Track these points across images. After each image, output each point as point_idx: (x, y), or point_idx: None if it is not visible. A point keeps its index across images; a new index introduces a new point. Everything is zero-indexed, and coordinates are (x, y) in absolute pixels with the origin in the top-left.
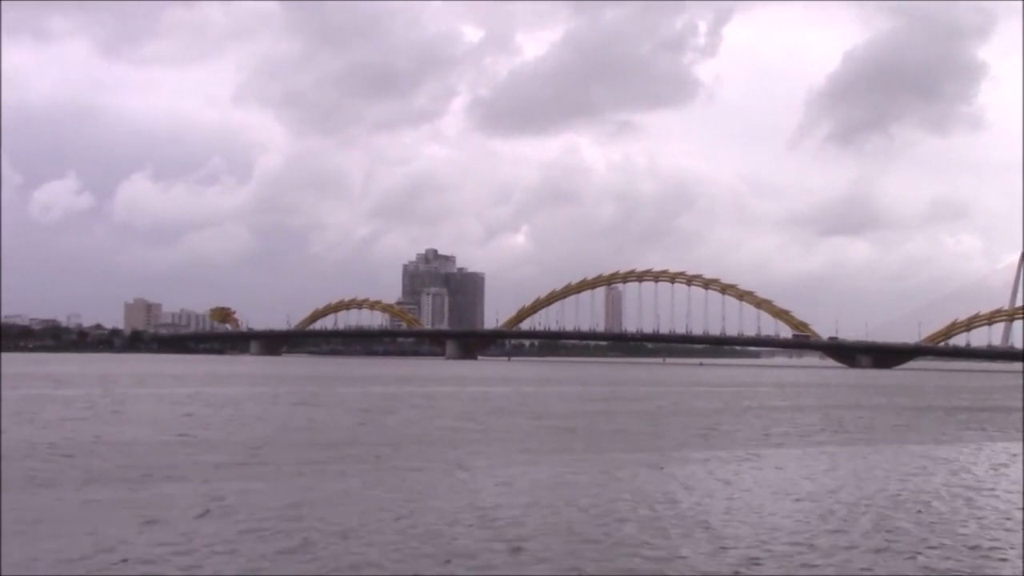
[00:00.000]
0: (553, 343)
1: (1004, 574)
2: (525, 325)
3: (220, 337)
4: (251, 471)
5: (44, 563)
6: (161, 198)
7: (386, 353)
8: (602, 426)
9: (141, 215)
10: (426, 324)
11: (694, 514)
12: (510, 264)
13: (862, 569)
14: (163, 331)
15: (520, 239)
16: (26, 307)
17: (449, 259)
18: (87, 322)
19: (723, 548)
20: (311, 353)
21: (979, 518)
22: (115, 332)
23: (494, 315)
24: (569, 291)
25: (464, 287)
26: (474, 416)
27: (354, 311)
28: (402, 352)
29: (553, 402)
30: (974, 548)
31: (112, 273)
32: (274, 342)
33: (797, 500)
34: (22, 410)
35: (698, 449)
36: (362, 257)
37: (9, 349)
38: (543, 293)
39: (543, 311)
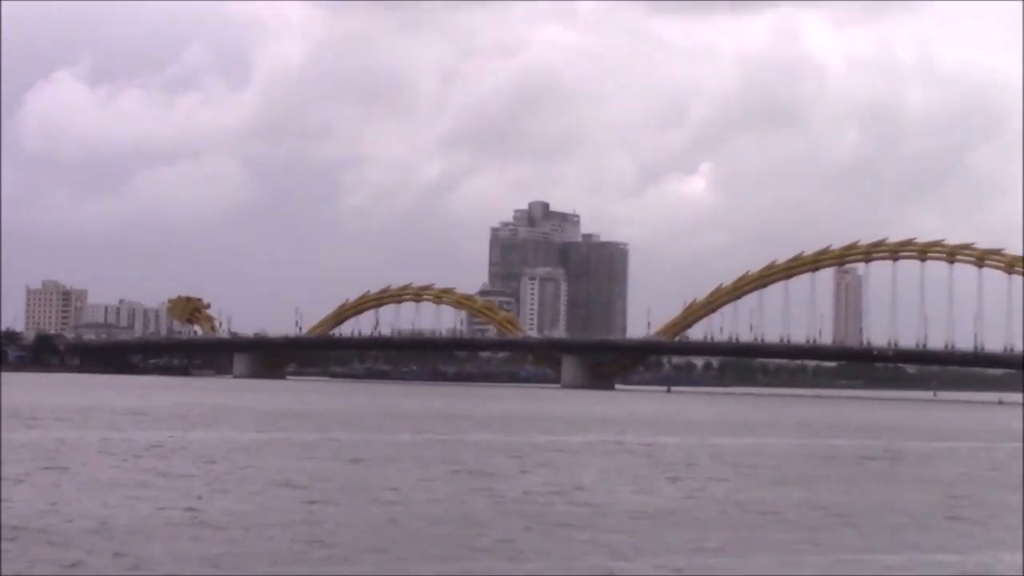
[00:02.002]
0: (745, 364)
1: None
2: (697, 332)
3: (184, 347)
4: None
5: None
6: (99, 112)
7: (460, 377)
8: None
9: (64, 140)
10: (528, 329)
11: None
12: (676, 228)
13: None
14: (89, 336)
15: (696, 186)
16: None
17: (570, 219)
18: None
19: None
20: (334, 376)
21: None
22: (11, 336)
23: (643, 315)
24: (773, 274)
25: (593, 267)
26: None
27: (408, 306)
28: (487, 375)
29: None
30: None
31: (10, 235)
32: (273, 356)
33: None
34: None
35: None
36: (427, 215)
37: None
38: (729, 279)
39: (728, 309)
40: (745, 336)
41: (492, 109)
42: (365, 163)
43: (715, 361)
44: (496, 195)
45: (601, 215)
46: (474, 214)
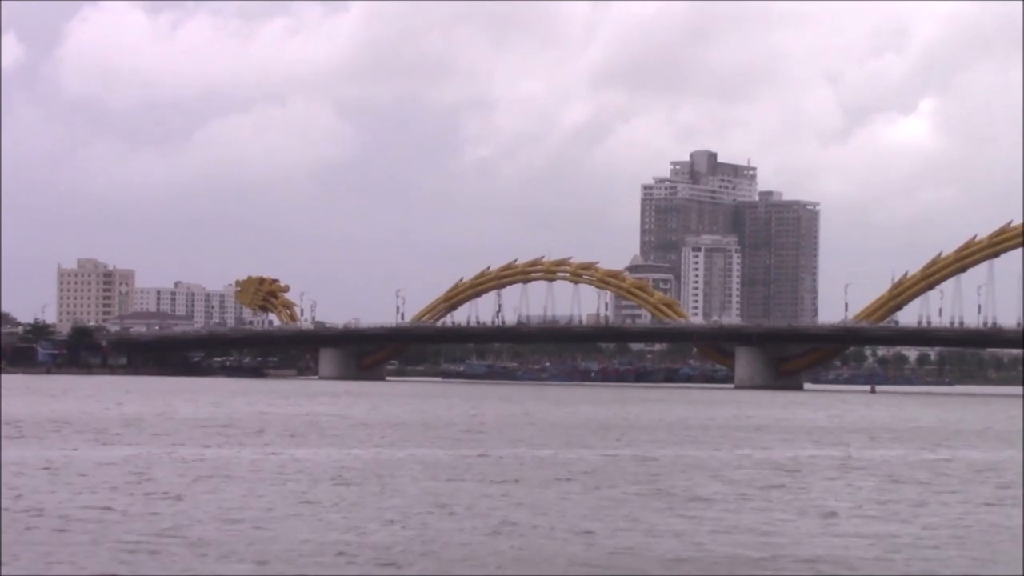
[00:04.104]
0: (971, 356)
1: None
2: (909, 316)
3: (257, 341)
4: None
5: None
6: (158, 47)
7: (605, 376)
8: None
9: (114, 82)
10: (691, 314)
11: None
12: (887, 183)
13: None
14: (138, 328)
15: (916, 128)
16: None
17: (743, 172)
18: None
19: None
20: (446, 376)
21: None
22: (40, 330)
23: (839, 295)
24: (1009, 240)
25: (775, 234)
26: None
27: (538, 286)
28: (639, 373)
29: None
30: None
31: (39, 202)
32: (368, 351)
33: None
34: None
35: None
36: (568, 170)
37: None
38: (951, 247)
39: (949, 285)
40: (971, 320)
41: (656, 36)
42: (493, 107)
43: (932, 353)
44: (658, 144)
45: (786, 167)
46: (628, 169)
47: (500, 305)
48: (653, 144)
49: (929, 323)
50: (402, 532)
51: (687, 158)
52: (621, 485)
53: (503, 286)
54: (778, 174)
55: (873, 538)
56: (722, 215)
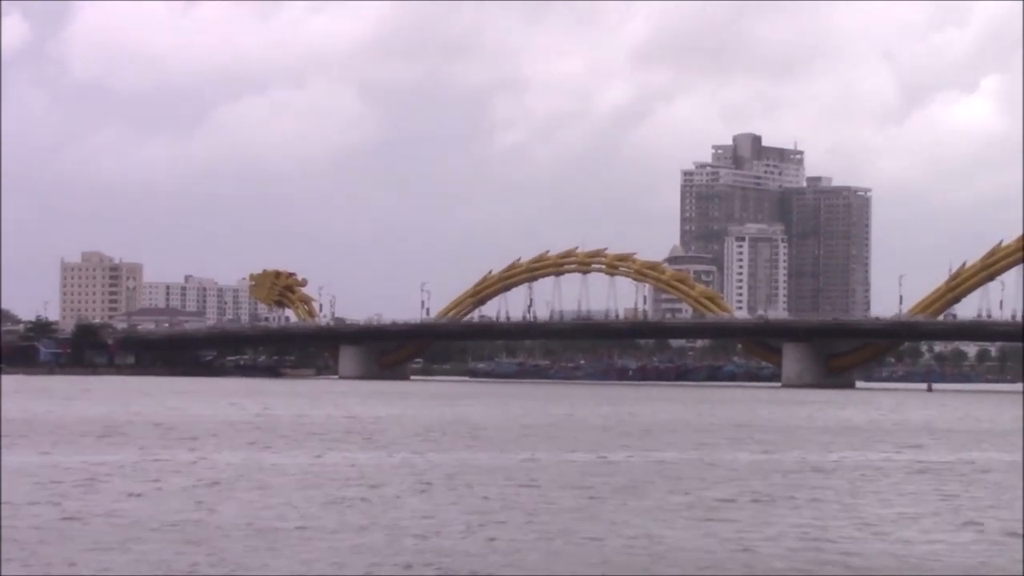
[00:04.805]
0: None
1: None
2: (968, 308)
3: (273, 338)
4: None
5: None
6: (171, 25)
7: (644, 375)
8: None
9: (123, 63)
10: (735, 307)
11: None
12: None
13: None
14: (146, 325)
15: (979, 107)
16: None
17: (790, 157)
18: None
19: None
20: (475, 374)
21: None
22: (43, 327)
23: (893, 287)
24: None
25: (824, 222)
26: None
27: (572, 279)
28: (680, 371)
29: None
30: None
31: (41, 189)
32: (392, 349)
33: None
34: None
35: None
36: (606, 155)
37: None
38: (1012, 236)
39: (1012, 275)
40: None
41: (702, 10)
42: (526, 87)
43: (993, 348)
44: (702, 127)
45: (837, 151)
46: (669, 153)
47: (531, 299)
48: (697, 126)
49: (989, 316)
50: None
51: (730, 142)
52: (676, 492)
53: (535, 279)
54: (828, 158)
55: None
56: (767, 202)
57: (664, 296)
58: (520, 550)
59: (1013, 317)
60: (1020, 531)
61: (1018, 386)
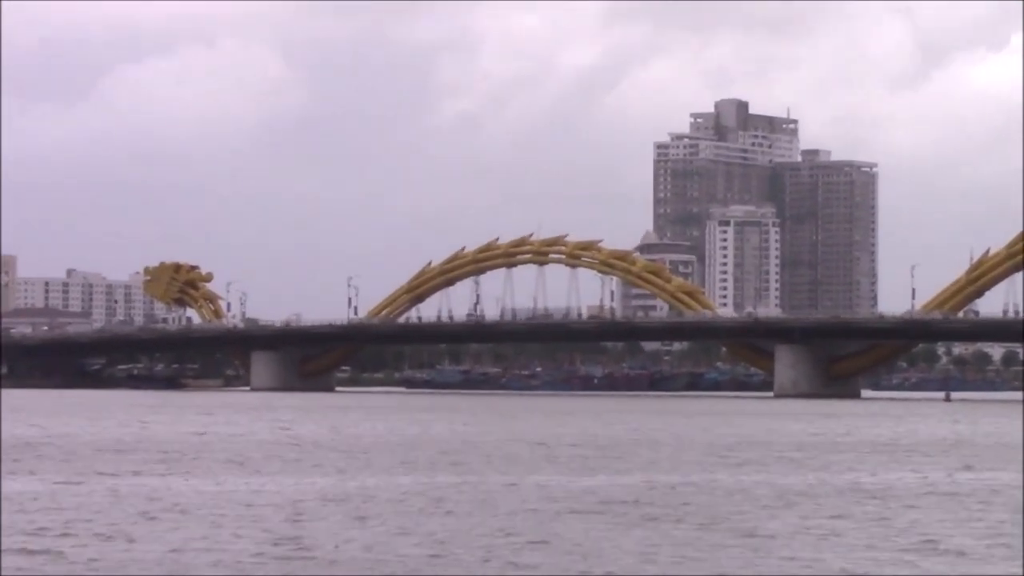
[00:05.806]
0: None
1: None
2: (991, 304)
3: (172, 343)
4: None
5: None
6: None
7: (611, 384)
8: None
9: None
10: (719, 303)
11: None
12: (968, 137)
13: None
14: (20, 328)
15: (1006, 69)
16: None
17: (781, 126)
18: None
19: None
20: (412, 385)
21: None
22: None
23: (904, 279)
24: None
25: (822, 203)
26: None
27: (526, 271)
28: (654, 379)
29: None
30: None
31: None
32: (312, 356)
33: None
34: None
35: None
36: (569, 125)
37: None
38: None
39: None
40: None
41: None
42: (476, 47)
43: (1021, 350)
44: (681, 93)
45: (840, 120)
46: (642, 124)
47: (478, 296)
48: (674, 93)
49: (1017, 313)
50: None
51: (711, 109)
52: (681, 522)
53: (482, 272)
54: (826, 128)
55: None
56: (756, 180)
57: (635, 291)
58: None
59: None
60: None
61: None
